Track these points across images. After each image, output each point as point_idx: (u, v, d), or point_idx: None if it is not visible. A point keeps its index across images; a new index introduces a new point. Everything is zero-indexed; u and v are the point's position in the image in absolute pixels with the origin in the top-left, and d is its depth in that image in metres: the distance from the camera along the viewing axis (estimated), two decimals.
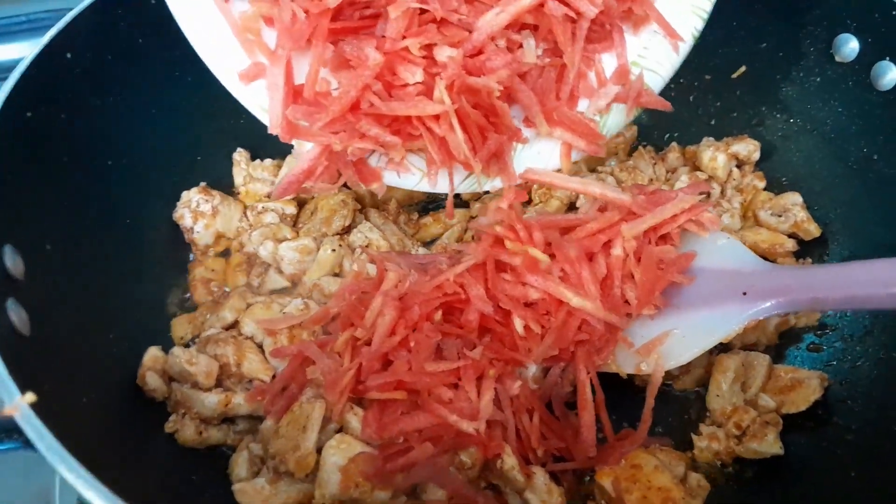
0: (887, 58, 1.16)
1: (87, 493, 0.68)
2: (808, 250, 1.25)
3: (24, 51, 1.66)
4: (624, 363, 1.04)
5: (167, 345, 1.10)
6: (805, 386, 1.07)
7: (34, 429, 0.74)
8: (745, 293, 0.99)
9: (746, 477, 1.02)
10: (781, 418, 1.05)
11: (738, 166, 1.34)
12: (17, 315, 0.85)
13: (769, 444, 1.02)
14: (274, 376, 1.06)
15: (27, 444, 1.03)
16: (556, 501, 0.95)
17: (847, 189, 1.24)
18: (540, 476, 0.96)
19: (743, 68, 1.39)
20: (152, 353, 1.05)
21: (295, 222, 1.27)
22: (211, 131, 1.34)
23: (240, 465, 0.98)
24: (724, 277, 1.02)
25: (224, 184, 1.32)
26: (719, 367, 1.09)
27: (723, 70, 1.41)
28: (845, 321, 1.16)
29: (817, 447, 1.03)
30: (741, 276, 1.01)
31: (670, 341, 1.02)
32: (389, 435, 0.95)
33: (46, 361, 0.87)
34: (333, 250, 1.15)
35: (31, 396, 0.73)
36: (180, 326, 1.15)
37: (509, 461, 0.95)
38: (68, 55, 1.09)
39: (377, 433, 0.94)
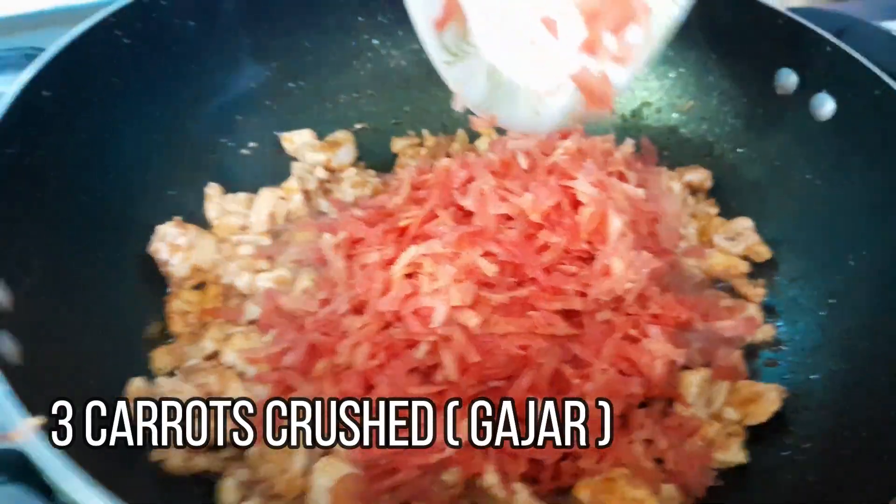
0: (824, 90, 1.25)
1: None
2: (761, 272, 1.32)
3: None
4: None
5: (148, 376, 1.10)
6: (765, 398, 1.13)
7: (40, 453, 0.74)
8: None
9: (714, 486, 1.07)
10: (744, 429, 1.11)
11: (692, 194, 1.41)
12: (7, 345, 0.86)
13: (734, 454, 1.08)
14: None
15: (12, 479, 1.04)
16: None
17: (793, 213, 1.32)
18: (521, 492, 0.99)
19: (691, 102, 1.48)
20: (136, 385, 1.06)
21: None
22: (182, 166, 1.36)
23: (226, 490, 0.98)
24: None
25: (196, 217, 1.34)
26: (683, 382, 1.14)
27: (672, 104, 1.50)
28: (797, 336, 1.23)
29: (778, 455, 1.09)
30: None
31: None
32: (374, 456, 0.97)
33: (36, 392, 0.87)
34: (312, 280, 1.17)
35: (38, 420, 0.74)
36: (160, 358, 1.15)
37: (490, 479, 0.98)
38: (45, 93, 1.11)
39: (362, 455, 0.97)
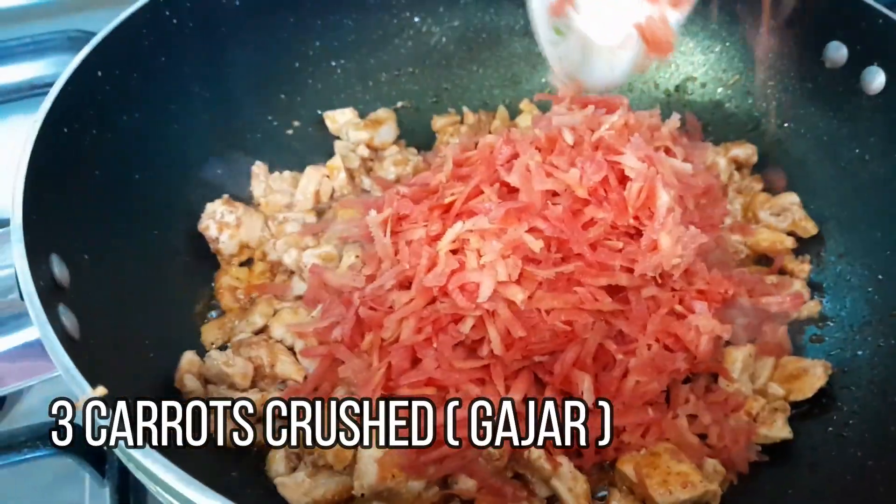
0: (875, 63, 1.23)
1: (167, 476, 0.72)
2: (807, 248, 1.31)
3: (28, 72, 1.72)
4: None
5: (198, 350, 1.14)
6: (810, 374, 1.12)
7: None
8: None
9: (759, 461, 1.07)
10: (789, 405, 1.11)
11: (737, 169, 1.40)
12: (68, 320, 0.90)
13: (778, 429, 1.07)
14: (306, 377, 1.10)
15: (60, 450, 1.08)
16: (581, 488, 1.00)
17: (841, 189, 1.30)
18: (566, 465, 1.00)
19: (737, 76, 1.46)
20: (188, 357, 1.09)
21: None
22: (230, 145, 1.38)
23: (277, 461, 1.02)
24: None
25: (243, 196, 1.37)
26: (728, 358, 1.14)
27: (717, 78, 1.48)
28: (843, 312, 1.22)
29: (824, 431, 1.09)
30: None
31: None
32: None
33: (95, 364, 0.90)
34: (357, 256, 1.19)
35: (101, 390, 0.77)
36: (210, 332, 1.19)
37: (536, 451, 1.00)
38: (99, 73, 1.14)
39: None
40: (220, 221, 1.26)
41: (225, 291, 1.24)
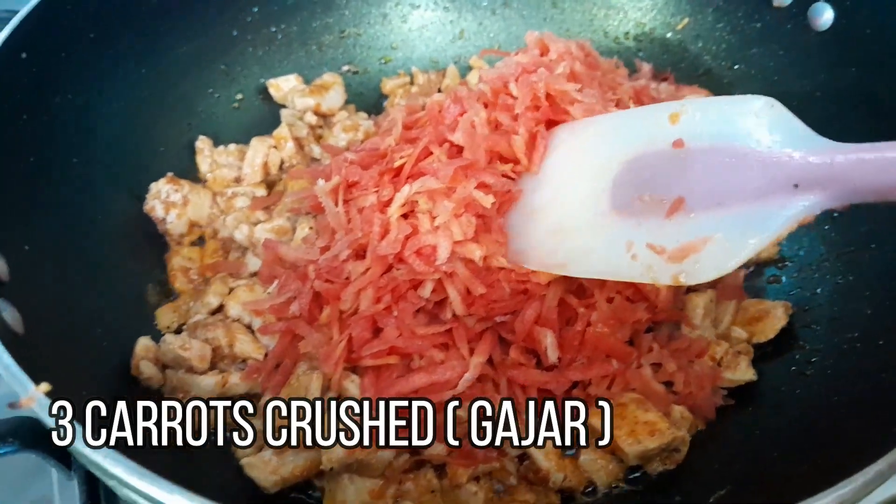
0: None
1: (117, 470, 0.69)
2: None
3: None
4: (658, 273, 0.91)
5: (153, 335, 1.11)
6: (771, 316, 1.13)
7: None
8: (796, 185, 0.80)
9: (725, 405, 1.07)
10: (752, 347, 1.12)
11: None
12: (9, 314, 0.86)
13: (743, 372, 1.08)
14: (266, 355, 1.08)
15: (25, 446, 1.04)
16: (550, 445, 1.00)
17: None
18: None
19: (686, 20, 1.44)
20: (143, 343, 1.06)
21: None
22: (170, 122, 1.34)
23: None
24: (772, 164, 0.82)
25: (189, 173, 1.33)
26: (689, 305, 1.14)
27: (666, 23, 1.46)
28: (801, 252, 1.22)
29: (787, 371, 1.09)
30: (792, 161, 0.81)
31: (710, 247, 0.86)
32: (388, 397, 0.98)
33: (43, 359, 0.87)
34: (311, 228, 1.16)
35: (45, 386, 0.74)
36: (165, 316, 1.15)
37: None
38: (23, 55, 1.08)
39: (376, 397, 0.97)
40: (165, 201, 1.22)
41: (177, 273, 1.20)
